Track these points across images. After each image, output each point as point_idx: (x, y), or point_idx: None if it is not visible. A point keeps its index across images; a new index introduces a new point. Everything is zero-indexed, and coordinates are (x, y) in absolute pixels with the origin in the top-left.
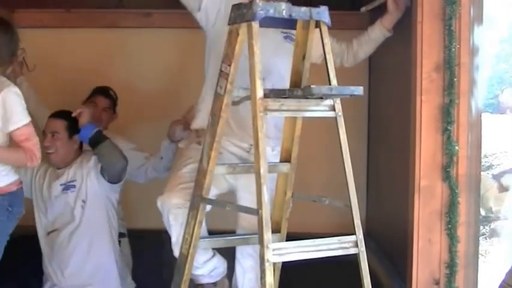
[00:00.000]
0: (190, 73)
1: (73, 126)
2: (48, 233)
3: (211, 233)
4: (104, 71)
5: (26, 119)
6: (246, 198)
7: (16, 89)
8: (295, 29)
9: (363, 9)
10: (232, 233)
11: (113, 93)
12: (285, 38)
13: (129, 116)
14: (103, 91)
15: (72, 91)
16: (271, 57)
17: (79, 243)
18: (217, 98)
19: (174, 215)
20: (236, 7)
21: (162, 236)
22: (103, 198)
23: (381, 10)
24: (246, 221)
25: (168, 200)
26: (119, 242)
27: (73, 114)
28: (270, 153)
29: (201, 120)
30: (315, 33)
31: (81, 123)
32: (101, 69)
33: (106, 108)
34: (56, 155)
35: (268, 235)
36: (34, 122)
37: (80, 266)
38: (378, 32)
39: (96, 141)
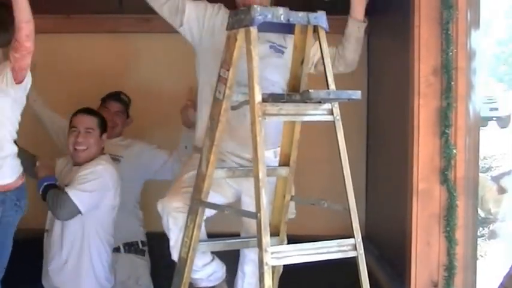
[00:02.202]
0: (190, 76)
1: (104, 124)
2: (46, 231)
3: (213, 236)
4: (105, 75)
5: None
6: (248, 202)
7: None
8: (293, 33)
9: None
10: (235, 235)
11: (125, 96)
12: (270, 47)
13: (135, 116)
14: (114, 95)
15: (73, 95)
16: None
17: (60, 247)
18: (216, 102)
19: (173, 218)
20: (234, 13)
21: None
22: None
23: (379, 12)
24: (249, 224)
25: (168, 204)
26: (143, 251)
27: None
28: (273, 159)
29: (200, 139)
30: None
31: (39, 176)
32: (101, 74)
33: (118, 112)
34: (86, 152)
35: (266, 238)
36: (40, 123)
37: (58, 270)
38: (351, 26)
39: (44, 192)
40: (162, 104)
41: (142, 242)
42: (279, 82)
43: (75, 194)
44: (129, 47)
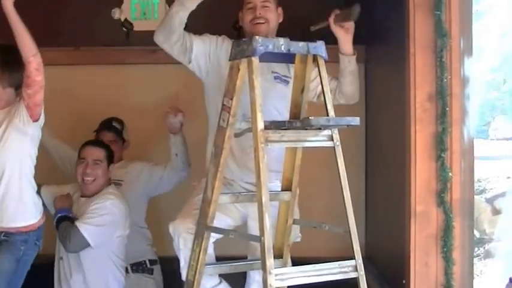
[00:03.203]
0: (192, 104)
1: (111, 156)
2: (60, 258)
3: (222, 259)
4: (113, 104)
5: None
6: (253, 226)
7: None
8: (293, 63)
9: (312, 28)
10: (243, 258)
11: (117, 123)
12: (275, 78)
13: (140, 142)
14: (105, 125)
15: (84, 124)
16: (264, 96)
17: (74, 275)
18: (220, 130)
19: (184, 240)
20: (236, 43)
21: None
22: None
23: (376, 41)
24: (255, 247)
25: (179, 225)
26: (151, 269)
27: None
28: (275, 184)
29: None
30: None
31: (55, 207)
32: (110, 103)
33: (111, 141)
34: (94, 184)
35: (270, 261)
36: (45, 152)
37: None
38: (342, 61)
39: (59, 221)
40: (162, 127)
41: (150, 260)
42: (284, 111)
43: (85, 228)
44: (135, 77)
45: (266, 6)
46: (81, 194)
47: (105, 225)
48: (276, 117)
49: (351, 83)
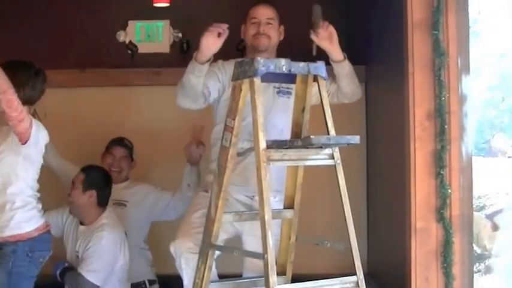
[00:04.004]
0: (196, 120)
1: (90, 181)
2: None
3: (222, 277)
4: (119, 125)
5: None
6: (251, 242)
7: None
8: (294, 83)
9: (314, 53)
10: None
11: (128, 142)
12: (278, 92)
13: (144, 163)
14: (118, 141)
15: (89, 145)
16: (266, 114)
17: None
18: (223, 150)
19: (185, 259)
20: (239, 64)
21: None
22: None
23: (375, 61)
24: (252, 263)
25: (180, 246)
26: None
27: None
28: (272, 199)
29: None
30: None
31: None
32: (115, 124)
33: (123, 156)
34: (74, 208)
35: (273, 278)
36: (50, 171)
37: None
38: (335, 68)
39: (62, 273)
40: (173, 147)
41: (149, 281)
42: (289, 123)
43: (89, 275)
44: (140, 99)
45: (270, 24)
46: (80, 221)
47: (106, 264)
48: (282, 132)
49: (349, 85)
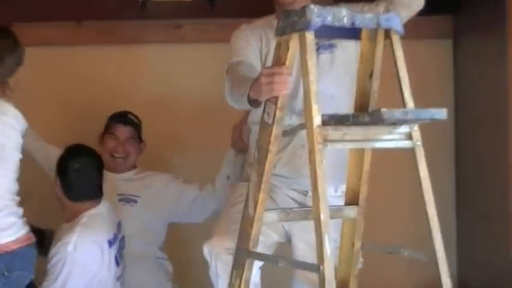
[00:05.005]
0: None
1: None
2: None
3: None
4: (124, 96)
5: None
6: (301, 248)
7: None
8: (358, 39)
9: None
10: None
11: (134, 117)
12: (317, 49)
13: (158, 146)
14: (120, 119)
15: (84, 121)
16: None
17: None
18: (264, 128)
19: (222, 263)
20: (285, 14)
21: None
22: None
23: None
24: (304, 275)
25: (217, 245)
26: None
27: None
28: (333, 194)
29: None
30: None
31: None
32: (119, 95)
33: (129, 138)
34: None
35: None
36: (31, 158)
37: None
38: None
39: None
40: (189, 127)
41: None
42: (339, 92)
43: None
44: (152, 61)
45: None
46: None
47: (68, 283)
48: (333, 99)
49: None
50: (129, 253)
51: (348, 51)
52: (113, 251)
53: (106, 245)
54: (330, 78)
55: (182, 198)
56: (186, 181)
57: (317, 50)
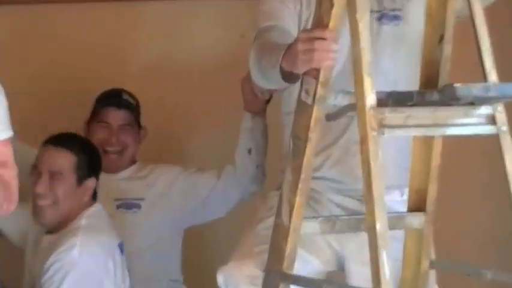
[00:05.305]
0: (242, 56)
1: (91, 163)
2: None
3: None
4: (116, 66)
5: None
6: (358, 273)
7: None
8: None
9: None
10: None
11: (129, 96)
12: (379, 19)
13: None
14: (112, 100)
15: (65, 101)
16: None
17: None
18: (302, 110)
19: None
20: None
21: None
22: None
23: None
24: None
25: (235, 272)
26: None
27: None
28: (398, 198)
29: None
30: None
31: None
32: (111, 64)
33: (124, 125)
34: (52, 210)
35: None
36: None
37: None
38: None
39: None
40: (200, 102)
41: None
42: (403, 75)
43: None
44: (152, 20)
45: None
46: (47, 230)
47: None
48: (395, 83)
49: None
50: (134, 275)
51: (416, 27)
52: (125, 260)
53: (117, 250)
54: (393, 57)
55: (196, 190)
56: (200, 169)
57: (379, 19)
